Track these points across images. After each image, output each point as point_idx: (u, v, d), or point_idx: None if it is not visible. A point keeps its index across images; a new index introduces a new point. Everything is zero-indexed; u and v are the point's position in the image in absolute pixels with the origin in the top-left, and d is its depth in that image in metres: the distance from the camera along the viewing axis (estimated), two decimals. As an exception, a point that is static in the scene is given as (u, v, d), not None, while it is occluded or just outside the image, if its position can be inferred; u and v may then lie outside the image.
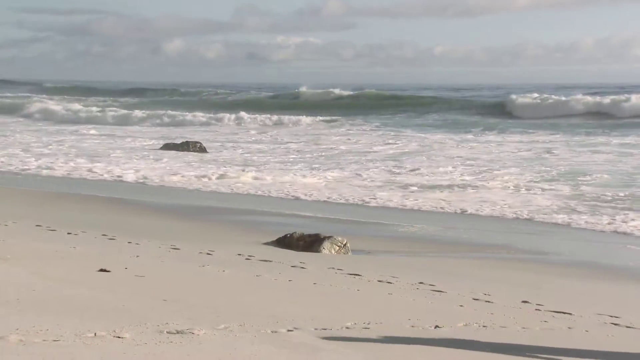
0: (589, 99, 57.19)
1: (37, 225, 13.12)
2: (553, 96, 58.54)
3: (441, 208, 19.15)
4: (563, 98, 57.70)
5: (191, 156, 31.34)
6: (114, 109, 61.91)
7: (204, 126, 51.39)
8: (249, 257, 11.19)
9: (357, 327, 6.80)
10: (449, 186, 22.71)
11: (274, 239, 13.46)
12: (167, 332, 6.09)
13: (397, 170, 26.44)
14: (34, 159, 28.76)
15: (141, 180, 23.92)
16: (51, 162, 27.60)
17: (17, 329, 5.80)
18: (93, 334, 5.85)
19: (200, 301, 7.35)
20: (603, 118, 51.30)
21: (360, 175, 25.27)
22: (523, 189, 22.09)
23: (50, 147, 34.27)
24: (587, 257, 13.77)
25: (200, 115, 55.00)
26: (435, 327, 7.04)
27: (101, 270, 8.54)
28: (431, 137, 41.21)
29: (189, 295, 7.61)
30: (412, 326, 7.03)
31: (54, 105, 64.56)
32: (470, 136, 42.03)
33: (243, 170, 26.32)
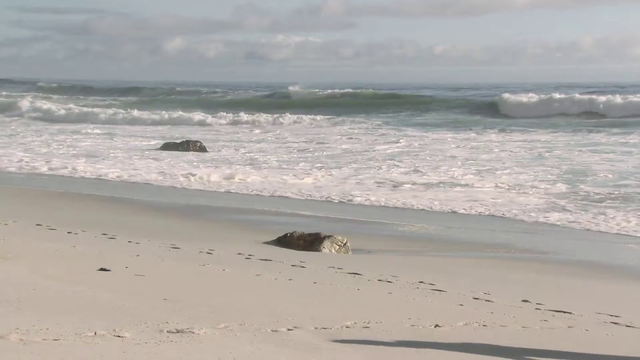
0: (578, 97, 57.15)
1: (37, 224, 13.12)
2: (542, 95, 58.52)
3: (430, 207, 19.16)
4: (557, 96, 57.67)
5: (191, 155, 31.35)
6: (113, 108, 61.68)
7: (201, 125, 51.34)
8: (249, 257, 11.19)
9: (357, 326, 6.80)
10: (438, 184, 22.75)
11: (274, 238, 13.47)
12: (167, 331, 6.09)
13: (393, 169, 26.48)
14: (32, 158, 28.77)
15: (141, 180, 23.92)
16: (49, 161, 27.61)
17: (17, 328, 5.80)
18: (93, 333, 5.85)
19: (201, 300, 7.35)
20: (594, 117, 51.39)
21: (358, 174, 25.30)
22: (517, 188, 22.11)
23: (48, 146, 34.31)
24: (587, 256, 13.78)
25: (197, 115, 54.91)
26: (435, 326, 7.04)
27: (101, 269, 8.55)
28: (417, 135, 41.32)
29: (189, 295, 7.61)
30: (412, 325, 7.03)
31: (48, 104, 64.12)
32: (454, 135, 42.07)
33: (244, 170, 26.34)
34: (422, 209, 19.03)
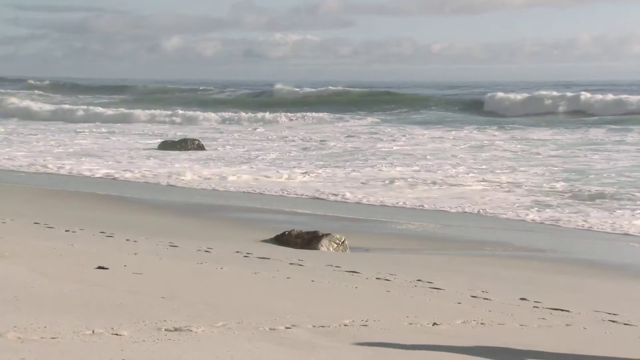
0: (558, 94, 57.27)
1: (35, 223, 13.11)
2: (525, 94, 58.58)
3: (421, 206, 19.17)
4: (542, 94, 57.78)
5: (189, 154, 31.34)
6: (98, 107, 61.07)
7: (198, 125, 51.28)
8: (247, 255, 11.20)
9: (355, 324, 6.80)
10: (433, 183, 22.76)
11: (272, 236, 13.47)
12: (165, 329, 6.09)
13: (388, 167, 26.53)
14: (28, 157, 28.76)
15: (140, 178, 23.92)
16: (47, 160, 27.60)
17: (15, 327, 5.79)
18: (91, 332, 5.84)
19: (198, 298, 7.35)
20: (580, 115, 51.52)
21: (356, 172, 25.32)
22: (512, 186, 22.13)
23: (43, 144, 34.28)
24: (585, 254, 13.79)
25: (192, 113, 54.78)
26: (433, 325, 7.04)
27: (99, 267, 8.54)
28: (400, 131, 41.39)
29: (187, 293, 7.61)
30: (410, 323, 7.04)
31: (42, 103, 63.76)
32: (439, 132, 42.20)
33: (241, 168, 26.35)
34: (421, 209, 19.03)
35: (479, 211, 18.40)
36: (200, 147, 33.25)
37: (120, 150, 32.35)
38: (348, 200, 20.06)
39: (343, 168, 26.53)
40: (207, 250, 11.36)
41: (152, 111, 55.51)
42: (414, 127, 46.04)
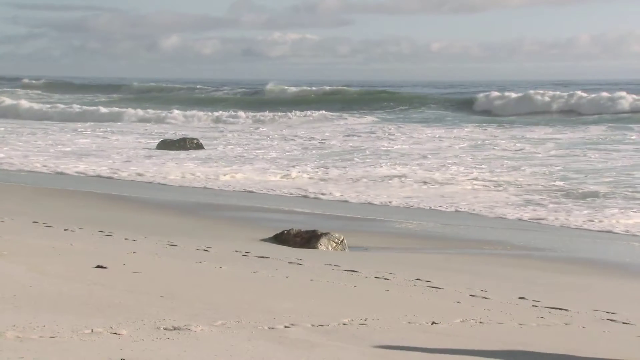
0: (551, 94, 57.28)
1: (33, 222, 13.10)
2: (513, 94, 58.56)
3: (410, 205, 19.20)
4: (532, 93, 57.80)
5: (188, 153, 31.34)
6: (96, 106, 60.82)
7: (192, 123, 51.24)
8: (246, 254, 11.20)
9: (354, 323, 6.80)
10: (425, 182, 22.78)
11: (271, 235, 13.47)
12: (164, 328, 6.09)
13: (383, 166, 26.54)
14: (27, 156, 28.75)
15: (139, 177, 23.92)
16: (45, 160, 27.58)
17: (14, 326, 5.79)
18: (90, 330, 5.84)
19: (197, 297, 7.35)
20: (571, 115, 51.57)
21: (352, 171, 25.33)
22: (509, 185, 22.15)
23: (41, 142, 34.27)
24: (584, 253, 13.80)
25: (188, 112, 54.73)
26: (432, 323, 7.04)
27: (98, 266, 8.54)
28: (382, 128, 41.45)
29: (186, 292, 7.61)
30: (409, 322, 7.04)
31: (33, 102, 63.41)
32: (429, 131, 42.24)
33: (240, 167, 26.36)
34: (421, 208, 19.03)
35: (475, 210, 18.41)
36: (200, 147, 33.24)
37: (119, 150, 32.35)
38: (336, 199, 20.09)
39: (343, 168, 26.54)
40: (206, 249, 11.36)
41: (139, 110, 55.20)
42: (411, 125, 46.08)
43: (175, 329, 6.09)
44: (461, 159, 28.94)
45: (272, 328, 6.39)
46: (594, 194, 20.28)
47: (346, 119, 51.90)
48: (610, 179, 23.10)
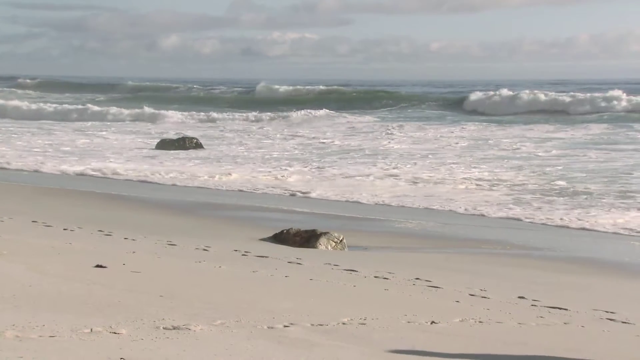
0: (543, 94, 57.29)
1: (33, 221, 13.10)
2: (503, 92, 58.56)
3: (404, 204, 19.21)
4: (523, 93, 57.85)
5: (187, 153, 31.33)
6: (91, 104, 60.45)
7: (192, 123, 51.21)
8: (245, 253, 11.19)
9: (354, 322, 6.80)
10: (421, 181, 22.78)
11: (271, 234, 13.47)
12: (163, 327, 6.09)
13: (380, 166, 26.56)
14: (24, 155, 28.74)
15: (138, 177, 23.91)
16: (44, 159, 27.57)
17: (13, 325, 5.79)
18: (89, 330, 5.84)
19: (197, 297, 7.35)
20: (561, 114, 51.61)
21: (351, 171, 25.35)
22: (505, 185, 22.16)
23: (40, 142, 34.25)
24: (583, 253, 13.79)
25: (190, 113, 54.64)
26: (431, 323, 7.04)
27: (97, 266, 8.54)
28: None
29: (186, 291, 7.61)
30: (409, 322, 7.04)
31: (28, 101, 63.20)
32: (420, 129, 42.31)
33: (239, 167, 26.36)
34: (421, 208, 19.03)
35: (474, 210, 18.40)
36: (199, 146, 33.22)
37: (118, 149, 32.34)
38: (336, 199, 20.12)
39: (340, 167, 26.55)
40: (206, 248, 11.36)
41: (133, 110, 54.96)
42: (408, 124, 46.06)
43: (174, 328, 6.09)
44: (460, 158, 28.94)
45: (272, 327, 6.39)
46: (588, 193, 20.33)
47: (345, 117, 51.85)
48: (606, 179, 23.10)
